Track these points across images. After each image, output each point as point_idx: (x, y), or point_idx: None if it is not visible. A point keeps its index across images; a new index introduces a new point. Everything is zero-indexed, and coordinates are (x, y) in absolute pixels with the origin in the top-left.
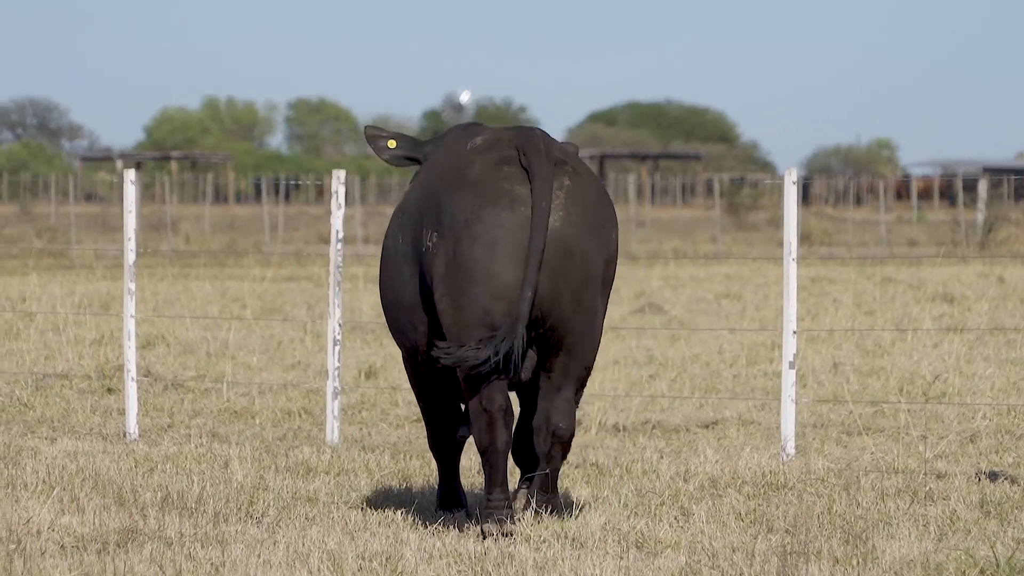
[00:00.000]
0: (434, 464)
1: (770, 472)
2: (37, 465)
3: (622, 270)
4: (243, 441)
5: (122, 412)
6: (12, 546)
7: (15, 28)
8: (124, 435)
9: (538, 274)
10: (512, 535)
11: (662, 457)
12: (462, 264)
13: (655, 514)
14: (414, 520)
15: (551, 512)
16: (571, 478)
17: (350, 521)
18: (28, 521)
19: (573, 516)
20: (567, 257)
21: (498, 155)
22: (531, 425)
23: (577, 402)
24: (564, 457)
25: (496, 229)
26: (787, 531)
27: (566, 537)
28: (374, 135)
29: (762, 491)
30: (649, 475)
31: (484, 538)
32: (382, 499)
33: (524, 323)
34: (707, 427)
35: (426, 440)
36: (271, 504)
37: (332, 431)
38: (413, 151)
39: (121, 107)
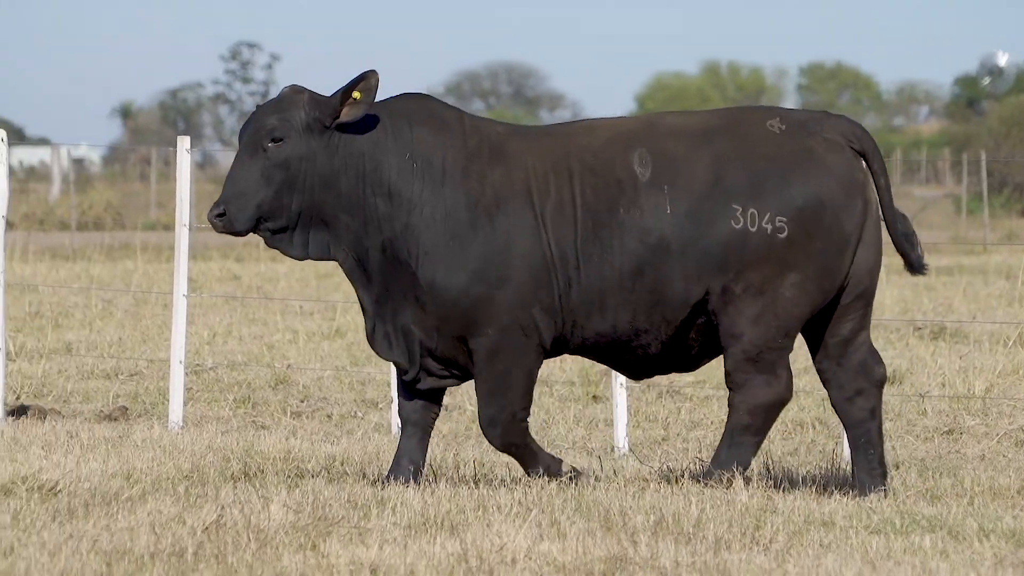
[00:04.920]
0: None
1: None
2: (512, 484)
3: None
4: None
5: (609, 423)
6: None
7: None
8: (612, 449)
9: None
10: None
11: None
12: (825, 250)
13: None
14: (943, 547)
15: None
16: None
17: (871, 548)
18: (502, 548)
19: None
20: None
21: (833, 140)
22: None
23: None
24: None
25: (857, 217)
26: None
27: None
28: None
29: None
30: None
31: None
32: (907, 522)
33: None
34: None
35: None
36: (780, 529)
37: None
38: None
39: (609, 72)
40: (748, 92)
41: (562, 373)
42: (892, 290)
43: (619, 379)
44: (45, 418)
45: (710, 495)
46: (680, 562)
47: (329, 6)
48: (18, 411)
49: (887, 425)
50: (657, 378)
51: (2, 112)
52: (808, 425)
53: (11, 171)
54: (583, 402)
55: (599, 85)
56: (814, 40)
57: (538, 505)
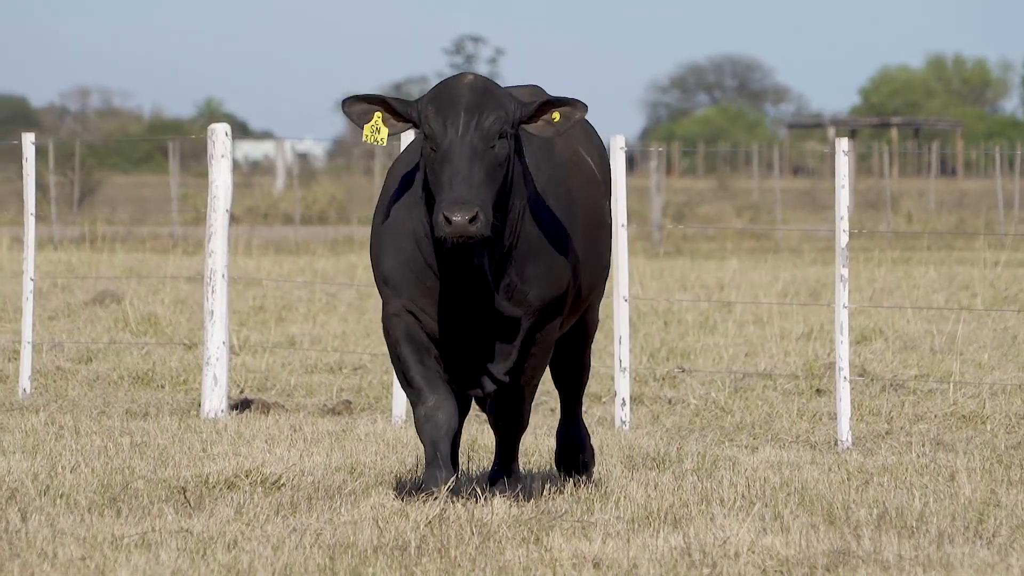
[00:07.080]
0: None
1: None
2: (736, 478)
3: None
4: (972, 450)
5: (833, 417)
6: (707, 570)
7: None
8: (835, 443)
9: None
10: None
11: None
12: None
13: None
14: None
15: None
16: None
17: None
18: (725, 542)
19: None
20: None
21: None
22: None
23: None
24: None
25: None
26: None
27: None
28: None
29: None
30: None
31: None
32: None
33: None
34: None
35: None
36: (1003, 522)
37: None
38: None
39: (833, 66)
40: (973, 85)
41: (785, 367)
42: None
43: (843, 372)
44: (268, 412)
45: (933, 488)
46: (903, 556)
47: None
48: (242, 405)
49: None
50: (880, 371)
51: (227, 107)
52: None
53: (236, 165)
54: (807, 396)
55: (824, 79)
56: None
57: (761, 499)
